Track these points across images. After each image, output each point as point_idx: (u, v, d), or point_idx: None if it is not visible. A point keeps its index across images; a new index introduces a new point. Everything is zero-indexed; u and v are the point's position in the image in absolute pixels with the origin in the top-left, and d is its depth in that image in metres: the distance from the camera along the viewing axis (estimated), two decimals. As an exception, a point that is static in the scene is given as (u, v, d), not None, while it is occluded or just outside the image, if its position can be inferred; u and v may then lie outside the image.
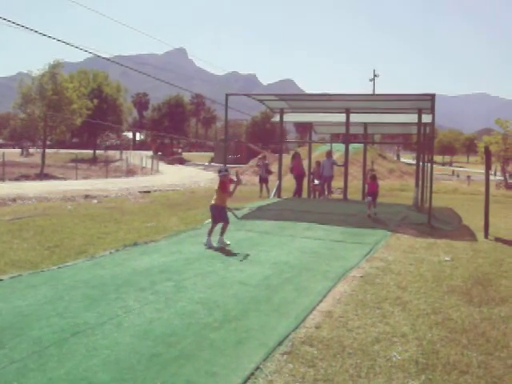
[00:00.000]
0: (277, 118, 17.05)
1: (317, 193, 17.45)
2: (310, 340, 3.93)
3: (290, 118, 18.41)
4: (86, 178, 30.94)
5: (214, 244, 7.55)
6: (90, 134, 57.65)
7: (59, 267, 6.06)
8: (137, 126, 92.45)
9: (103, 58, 21.29)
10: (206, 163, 55.52)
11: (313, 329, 4.19)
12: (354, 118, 15.78)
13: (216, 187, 7.94)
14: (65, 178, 29.84)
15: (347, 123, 15.24)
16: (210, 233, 7.67)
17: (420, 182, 15.02)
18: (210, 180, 29.66)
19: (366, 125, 18.34)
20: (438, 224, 10.98)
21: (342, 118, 15.50)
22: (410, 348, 3.86)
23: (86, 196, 16.25)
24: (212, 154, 62.47)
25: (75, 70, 54.83)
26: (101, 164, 43.49)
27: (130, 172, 37.92)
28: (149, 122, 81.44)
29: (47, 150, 38.39)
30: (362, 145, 22.83)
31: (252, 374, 3.31)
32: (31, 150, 55.80)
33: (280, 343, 3.83)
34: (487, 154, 10.99)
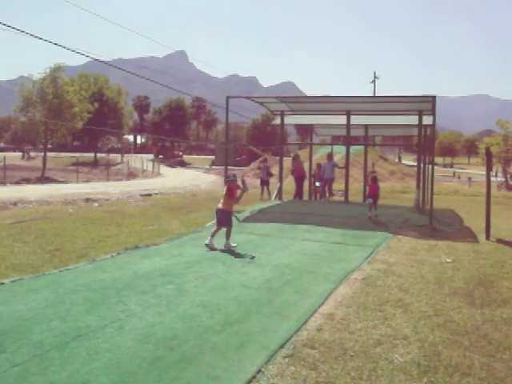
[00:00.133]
0: (277, 121, 17.07)
1: (318, 195, 17.46)
2: (311, 342, 3.92)
3: (291, 120, 18.43)
4: (87, 181, 30.96)
5: (216, 246, 7.59)
6: (90, 137, 57.73)
7: (60, 271, 6.06)
8: (138, 129, 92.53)
9: (104, 62, 21.31)
10: (207, 166, 55.57)
11: (314, 331, 4.19)
12: (354, 119, 15.79)
13: (223, 192, 8.05)
14: (66, 182, 29.86)
15: (348, 125, 15.24)
16: (213, 234, 7.73)
17: (421, 184, 15.01)
18: (211, 183, 29.68)
19: (366, 127, 18.35)
20: (439, 226, 10.97)
21: (342, 120, 15.51)
22: (412, 350, 3.85)
23: (87, 199, 16.26)
24: (213, 157, 62.52)
25: (76, 73, 54.92)
26: (102, 167, 43.53)
27: (131, 175, 37.94)
28: (150, 125, 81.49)
29: (48, 154, 38.45)
30: (362, 147, 22.84)
31: (254, 377, 3.30)
32: (32, 154, 55.85)
33: (282, 346, 3.82)
34: (488, 155, 10.97)
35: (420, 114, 14.32)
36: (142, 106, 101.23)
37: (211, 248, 7.51)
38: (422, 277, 6.23)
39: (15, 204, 14.39)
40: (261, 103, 15.95)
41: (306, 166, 19.25)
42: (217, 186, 25.78)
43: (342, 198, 16.63)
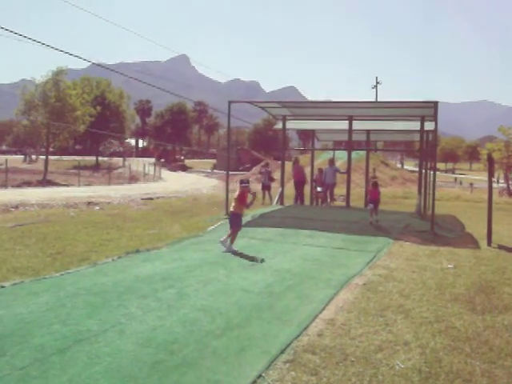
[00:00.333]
0: (279, 126, 17.08)
1: (319, 200, 17.46)
2: (312, 348, 3.91)
3: (293, 125, 18.44)
4: (88, 184, 30.96)
5: (235, 248, 7.78)
6: (92, 140, 57.84)
7: (61, 274, 6.07)
8: (139, 133, 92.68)
9: (106, 67, 21.36)
10: (209, 170, 55.62)
11: (315, 337, 4.18)
12: (356, 125, 15.80)
13: (235, 196, 8.19)
14: (67, 185, 29.85)
15: (350, 130, 15.26)
16: (231, 238, 7.91)
17: (423, 190, 15.00)
18: (212, 187, 29.65)
19: (368, 132, 18.36)
20: (440, 231, 10.95)
21: (344, 125, 15.52)
22: (413, 356, 3.84)
23: (89, 203, 16.26)
24: (214, 161, 62.58)
25: (78, 76, 55.09)
26: (103, 171, 43.57)
27: (133, 179, 37.95)
28: (151, 129, 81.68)
29: (50, 157, 38.50)
30: (364, 152, 22.83)
31: (254, 382, 3.30)
32: (34, 157, 55.94)
33: (282, 351, 3.82)
34: (490, 161, 10.97)
35: (422, 119, 14.33)
36: (144, 109, 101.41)
37: (230, 251, 7.67)
38: (424, 282, 6.22)
39: (17, 207, 14.40)
40: (263, 108, 15.98)
41: (307, 171, 19.25)
42: (218, 190, 25.77)
43: (344, 203, 16.62)
